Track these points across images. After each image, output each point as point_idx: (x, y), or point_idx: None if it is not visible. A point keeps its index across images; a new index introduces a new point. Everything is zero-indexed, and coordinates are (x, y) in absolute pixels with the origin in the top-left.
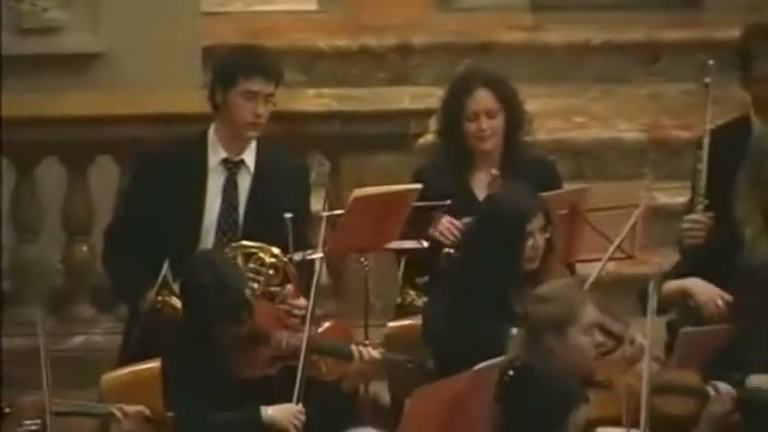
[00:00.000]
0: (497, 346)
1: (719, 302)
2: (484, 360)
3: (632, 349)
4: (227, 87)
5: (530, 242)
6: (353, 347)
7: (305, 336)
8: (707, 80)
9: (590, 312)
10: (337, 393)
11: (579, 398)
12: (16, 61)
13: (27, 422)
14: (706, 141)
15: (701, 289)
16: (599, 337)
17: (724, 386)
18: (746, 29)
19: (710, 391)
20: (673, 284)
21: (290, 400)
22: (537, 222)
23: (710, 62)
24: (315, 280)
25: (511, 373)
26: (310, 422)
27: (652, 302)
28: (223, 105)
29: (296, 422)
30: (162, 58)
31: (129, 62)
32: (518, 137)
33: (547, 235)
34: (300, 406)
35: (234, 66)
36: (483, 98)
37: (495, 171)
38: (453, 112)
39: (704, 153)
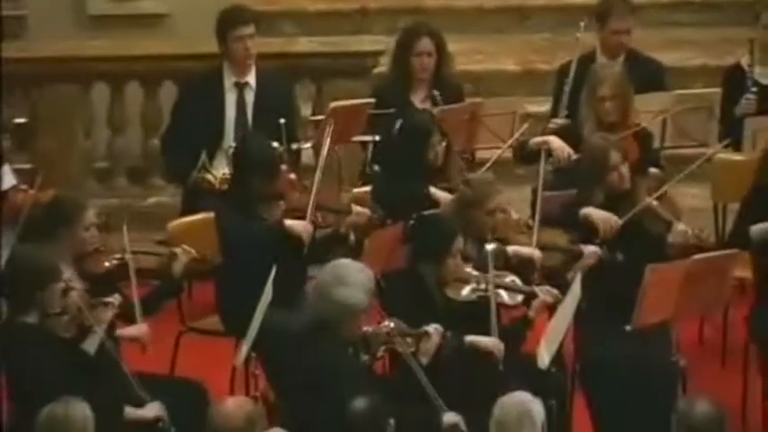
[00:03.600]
0: (415, 204)
1: (566, 153)
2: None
3: None
4: (223, 37)
5: (432, 152)
6: (352, 206)
7: (312, 196)
8: (578, 34)
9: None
10: (336, 234)
11: (455, 233)
12: (110, 19)
13: (115, 255)
14: (572, 69)
15: (557, 143)
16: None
17: (592, 247)
18: None
19: (582, 248)
20: (538, 138)
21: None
22: (436, 138)
23: (582, 23)
24: (319, 164)
25: (412, 221)
26: (314, 248)
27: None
28: (225, 48)
29: (309, 230)
30: (205, 17)
31: (185, 19)
32: (444, 69)
33: (444, 143)
34: (310, 224)
35: (223, 22)
36: (426, 43)
37: (435, 92)
38: (404, 49)
39: (570, 80)
